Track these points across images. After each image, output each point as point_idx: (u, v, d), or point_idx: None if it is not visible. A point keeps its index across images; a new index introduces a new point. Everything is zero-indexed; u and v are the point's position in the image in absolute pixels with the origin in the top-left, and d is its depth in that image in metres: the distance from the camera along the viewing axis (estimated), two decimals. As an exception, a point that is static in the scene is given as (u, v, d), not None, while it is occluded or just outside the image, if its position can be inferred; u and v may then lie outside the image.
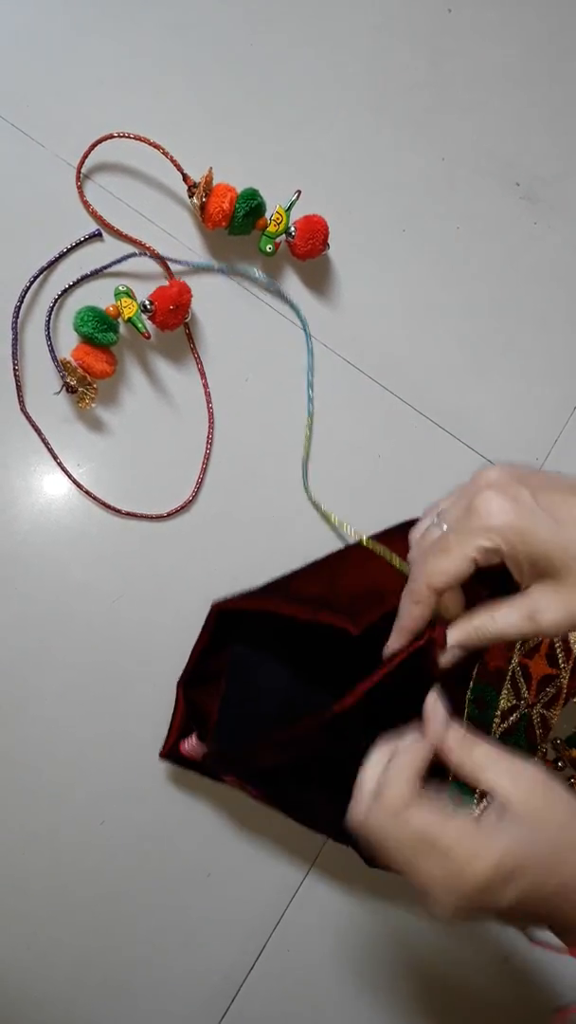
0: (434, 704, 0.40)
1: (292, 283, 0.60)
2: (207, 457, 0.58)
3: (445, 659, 0.40)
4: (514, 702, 0.52)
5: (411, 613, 0.40)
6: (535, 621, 0.37)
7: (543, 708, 0.53)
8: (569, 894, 0.35)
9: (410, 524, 0.54)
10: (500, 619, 0.38)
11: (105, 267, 0.56)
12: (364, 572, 0.53)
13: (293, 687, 0.52)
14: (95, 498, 0.56)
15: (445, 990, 0.59)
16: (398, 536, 0.55)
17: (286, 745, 0.47)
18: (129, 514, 0.56)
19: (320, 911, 0.58)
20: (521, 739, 0.54)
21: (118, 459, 0.57)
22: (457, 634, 0.40)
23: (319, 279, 0.60)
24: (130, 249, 0.57)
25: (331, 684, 0.48)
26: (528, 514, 0.35)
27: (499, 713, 0.52)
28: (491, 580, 0.41)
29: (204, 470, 0.57)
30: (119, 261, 0.56)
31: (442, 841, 0.35)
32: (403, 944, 0.59)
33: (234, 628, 0.53)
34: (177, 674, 0.56)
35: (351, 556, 0.55)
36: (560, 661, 0.54)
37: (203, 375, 0.58)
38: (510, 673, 0.53)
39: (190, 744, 0.52)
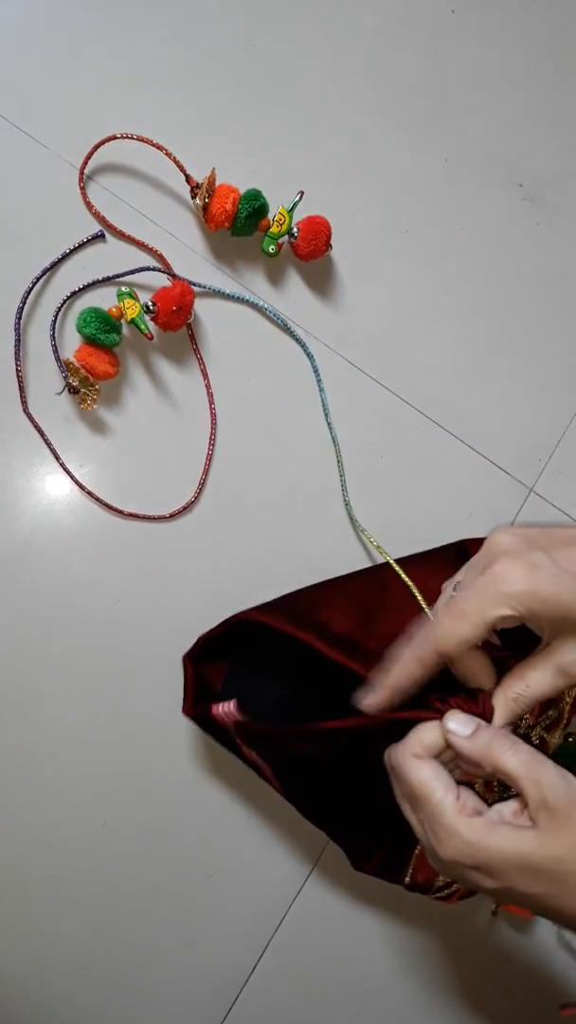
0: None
1: (294, 284, 0.60)
2: (209, 458, 0.58)
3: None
4: (514, 722, 0.52)
5: (408, 672, 0.40)
6: (567, 675, 0.38)
7: (543, 731, 0.53)
8: (562, 905, 0.35)
9: (446, 548, 0.54)
10: (534, 684, 0.38)
11: (119, 275, 0.55)
12: (403, 615, 0.50)
13: (295, 691, 0.51)
14: (97, 499, 0.56)
15: (447, 991, 0.59)
16: (431, 562, 0.53)
17: (315, 737, 0.46)
18: (131, 515, 0.56)
19: (323, 912, 0.58)
20: None
21: (120, 460, 0.57)
22: (500, 716, 0.39)
23: (321, 280, 0.60)
24: (132, 250, 0.57)
25: (332, 709, 0.47)
26: (548, 578, 0.36)
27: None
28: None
29: (206, 471, 0.57)
30: (132, 272, 0.56)
31: (426, 808, 0.37)
32: (406, 945, 0.59)
33: (249, 633, 0.52)
34: (177, 675, 0.56)
35: (391, 587, 0.52)
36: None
37: (205, 376, 0.58)
38: None
39: (225, 709, 0.49)
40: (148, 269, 0.56)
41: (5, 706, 0.55)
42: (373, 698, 0.41)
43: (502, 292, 0.63)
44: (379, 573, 0.54)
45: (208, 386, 0.58)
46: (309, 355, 0.59)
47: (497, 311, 0.63)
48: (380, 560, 0.55)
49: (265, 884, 0.57)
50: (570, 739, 0.57)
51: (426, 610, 0.49)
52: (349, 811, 0.51)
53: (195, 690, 0.51)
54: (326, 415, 0.59)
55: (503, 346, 0.62)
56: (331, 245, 0.58)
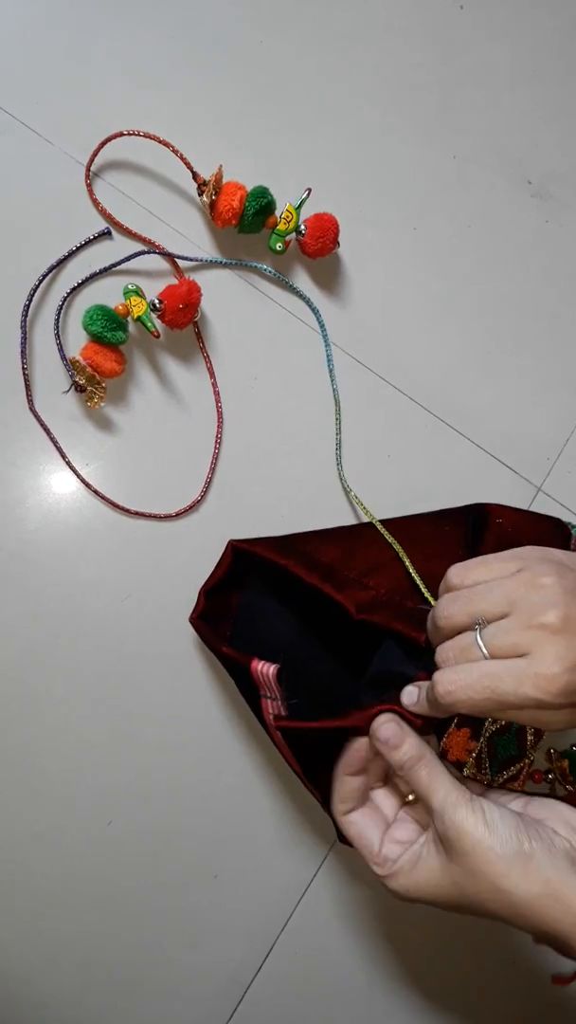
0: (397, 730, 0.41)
1: (302, 281, 0.60)
2: (216, 457, 0.57)
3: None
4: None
5: (427, 714, 0.41)
6: (540, 723, 0.38)
7: None
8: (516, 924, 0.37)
9: (431, 516, 0.55)
10: (510, 716, 0.39)
11: (114, 265, 0.55)
12: (386, 549, 0.53)
13: (296, 645, 0.52)
14: (103, 497, 0.56)
15: (452, 992, 0.59)
16: (420, 524, 0.55)
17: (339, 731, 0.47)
18: (137, 513, 0.56)
19: (327, 913, 0.58)
20: (511, 742, 0.53)
21: (126, 458, 0.57)
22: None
23: (329, 277, 0.60)
24: (139, 247, 0.57)
25: (332, 650, 0.51)
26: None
27: None
28: None
29: (213, 470, 0.57)
30: (128, 259, 0.56)
31: (362, 854, 0.41)
32: (410, 946, 0.58)
33: (247, 571, 0.53)
34: (184, 675, 0.56)
35: (376, 533, 0.55)
36: None
37: (212, 374, 0.58)
38: None
39: (264, 670, 0.47)
40: (144, 253, 0.56)
41: (11, 704, 0.54)
42: (392, 736, 0.42)
43: (510, 289, 0.62)
44: (364, 525, 0.56)
45: (214, 384, 0.58)
46: (315, 309, 0.59)
47: (505, 308, 0.62)
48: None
49: (271, 885, 0.57)
50: (574, 747, 0.57)
51: (415, 576, 0.51)
52: (325, 783, 0.51)
53: (212, 627, 0.53)
54: (330, 369, 0.59)
55: (511, 344, 0.62)
56: (338, 242, 0.57)
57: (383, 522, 0.54)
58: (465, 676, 0.37)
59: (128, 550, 0.56)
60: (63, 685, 0.55)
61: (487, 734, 0.52)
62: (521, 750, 0.54)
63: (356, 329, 0.60)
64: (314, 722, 0.45)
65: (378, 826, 0.42)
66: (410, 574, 0.52)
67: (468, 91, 0.64)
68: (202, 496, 0.57)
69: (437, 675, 0.38)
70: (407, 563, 0.52)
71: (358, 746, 0.43)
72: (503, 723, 0.53)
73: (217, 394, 0.58)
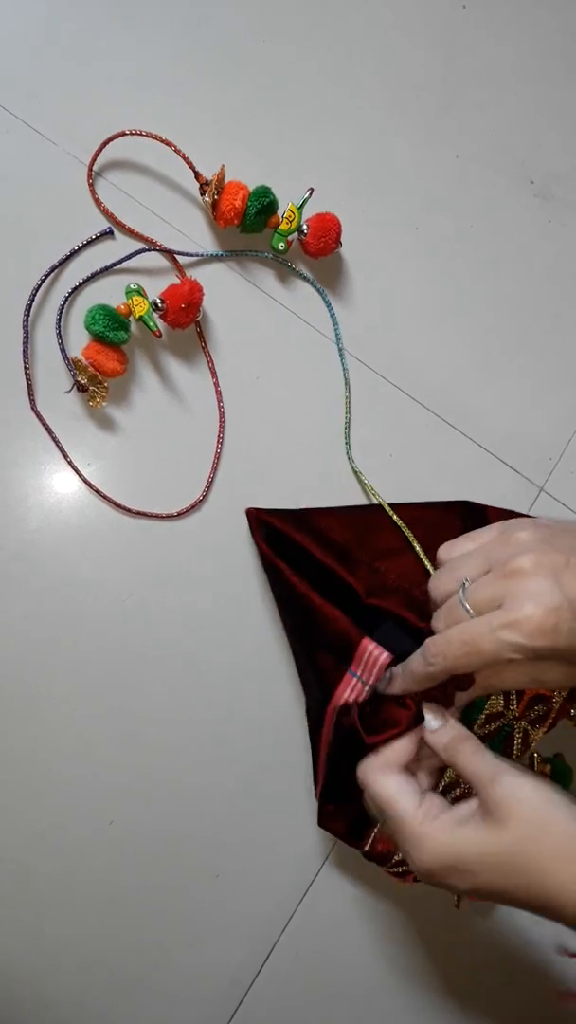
0: (437, 716, 0.42)
1: (304, 281, 0.60)
2: (218, 456, 0.57)
3: (452, 712, 0.44)
4: (500, 710, 0.51)
5: (424, 684, 0.41)
6: (539, 685, 0.40)
7: (527, 724, 0.53)
8: (541, 899, 0.37)
9: (443, 505, 0.56)
10: (508, 682, 0.41)
11: (116, 263, 0.55)
12: (399, 535, 0.54)
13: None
14: (105, 497, 0.56)
15: (454, 993, 0.59)
16: (429, 512, 0.56)
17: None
18: (139, 513, 0.56)
19: (329, 913, 0.57)
20: (498, 746, 0.52)
21: (128, 458, 0.57)
22: (468, 695, 0.43)
23: (331, 277, 0.60)
24: (140, 246, 0.57)
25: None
26: (567, 633, 0.35)
27: (483, 716, 0.51)
28: None
29: (215, 469, 0.57)
30: (129, 257, 0.56)
31: (393, 818, 0.40)
32: (413, 946, 0.58)
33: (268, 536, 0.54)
34: (186, 674, 0.56)
35: (388, 519, 0.55)
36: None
37: (214, 373, 0.58)
38: None
39: (376, 654, 0.46)
40: (145, 251, 0.56)
41: (12, 704, 0.54)
42: (398, 684, 0.43)
43: (513, 289, 0.62)
44: (381, 508, 0.56)
45: (216, 384, 0.58)
46: (320, 291, 0.59)
47: (508, 309, 0.62)
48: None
49: (272, 885, 0.57)
50: (557, 756, 0.57)
51: (425, 562, 0.52)
52: (336, 771, 0.51)
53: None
54: (340, 349, 0.59)
55: (513, 344, 0.62)
56: (341, 242, 0.57)
57: (392, 506, 0.55)
58: (447, 636, 0.38)
59: (130, 550, 0.56)
60: (64, 685, 0.55)
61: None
62: (507, 756, 0.53)
63: (358, 328, 0.60)
64: (389, 731, 0.45)
65: (415, 788, 0.41)
66: (421, 560, 0.53)
67: (470, 91, 0.64)
68: (204, 496, 0.57)
69: (426, 642, 0.39)
70: (417, 548, 0.53)
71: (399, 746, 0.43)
72: (491, 729, 0.52)
73: (219, 393, 0.58)
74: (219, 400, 0.57)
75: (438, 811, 0.39)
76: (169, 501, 0.57)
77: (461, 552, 0.41)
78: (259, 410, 0.58)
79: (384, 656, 0.45)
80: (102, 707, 0.55)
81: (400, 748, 0.42)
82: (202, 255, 0.58)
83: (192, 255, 0.57)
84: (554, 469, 0.61)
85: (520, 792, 0.37)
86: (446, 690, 0.43)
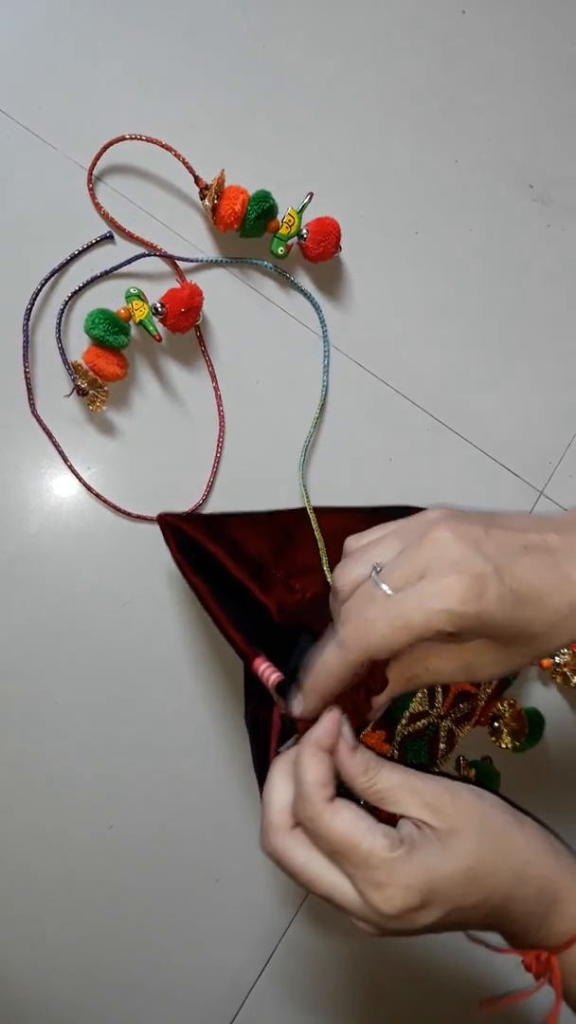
0: (330, 726, 0.36)
1: (304, 285, 0.60)
2: (217, 460, 0.57)
3: (373, 714, 0.39)
4: (425, 708, 0.50)
5: (340, 677, 0.35)
6: (471, 674, 0.37)
7: (453, 723, 0.52)
8: (501, 912, 0.35)
9: (377, 511, 0.52)
10: (433, 670, 0.37)
11: (116, 268, 0.55)
12: (316, 551, 0.51)
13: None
14: (105, 501, 0.56)
15: (455, 993, 0.59)
16: (354, 519, 0.52)
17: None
18: (139, 517, 0.56)
19: (329, 917, 0.57)
20: (423, 747, 0.52)
21: (128, 462, 0.57)
22: (388, 692, 0.38)
23: (331, 282, 0.60)
24: (141, 251, 0.57)
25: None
26: (495, 599, 0.33)
27: (407, 715, 0.50)
28: None
29: (214, 473, 0.57)
30: (130, 262, 0.56)
31: (355, 860, 0.34)
32: (413, 950, 0.58)
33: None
34: (186, 678, 0.56)
35: (310, 531, 0.52)
36: (483, 683, 0.53)
37: (214, 378, 0.58)
38: None
39: (268, 672, 0.40)
40: (146, 255, 0.56)
41: (12, 708, 0.55)
42: (302, 705, 0.37)
43: (512, 294, 0.62)
44: (301, 515, 0.52)
45: (216, 388, 0.58)
46: (316, 306, 0.59)
47: (507, 313, 0.62)
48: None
49: (272, 888, 0.57)
50: (485, 760, 0.57)
51: (325, 568, 0.49)
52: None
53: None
54: (325, 364, 0.59)
55: (513, 348, 0.62)
56: (340, 247, 0.58)
57: (327, 511, 0.52)
58: (365, 616, 0.34)
59: (130, 553, 0.56)
60: (64, 688, 0.55)
61: (399, 738, 0.50)
62: (432, 757, 0.52)
63: (358, 333, 0.60)
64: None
65: (371, 820, 0.35)
66: (328, 580, 0.49)
67: (470, 95, 0.64)
68: (204, 499, 0.57)
69: (340, 630, 0.35)
70: (325, 568, 0.50)
71: (329, 724, 0.36)
72: (416, 728, 0.51)
73: (219, 398, 0.58)
74: (219, 404, 0.58)
75: (392, 841, 0.34)
76: (169, 505, 0.57)
77: (369, 540, 0.38)
78: (259, 414, 0.58)
79: (275, 676, 0.39)
80: (101, 710, 0.55)
81: (323, 770, 0.35)
82: (201, 260, 0.58)
83: (192, 260, 0.57)
84: (554, 473, 0.61)
85: (459, 797, 0.35)
86: (357, 699, 0.38)
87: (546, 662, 0.56)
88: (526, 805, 0.39)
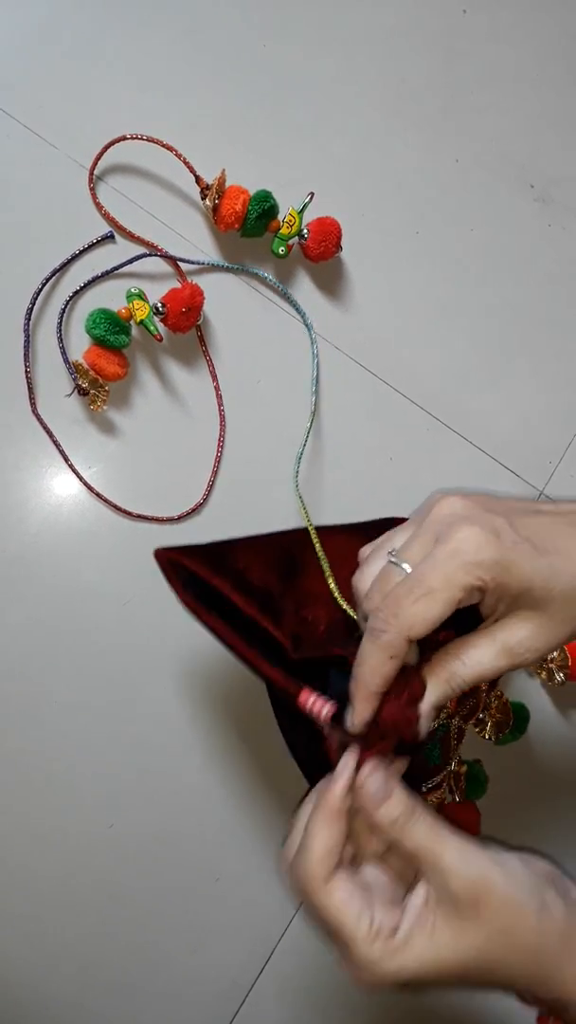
0: (342, 787, 0.34)
1: (304, 285, 0.60)
2: (218, 459, 0.57)
3: (423, 725, 0.36)
4: (444, 703, 0.50)
5: (383, 671, 0.34)
6: (513, 655, 0.34)
7: (461, 719, 0.51)
8: (506, 984, 0.34)
9: (376, 525, 0.49)
10: (472, 663, 0.35)
11: (117, 268, 0.55)
12: (323, 579, 0.47)
13: None
14: (106, 500, 0.56)
15: (455, 997, 0.59)
16: (356, 537, 0.48)
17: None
18: (140, 516, 0.56)
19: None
20: (436, 749, 0.51)
21: (129, 461, 0.57)
22: (432, 696, 0.35)
23: (332, 281, 0.60)
24: (142, 250, 0.57)
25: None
26: (511, 546, 0.32)
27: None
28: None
29: (215, 472, 0.57)
30: (131, 261, 0.56)
31: (339, 941, 0.33)
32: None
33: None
34: (187, 678, 0.56)
35: (315, 555, 0.48)
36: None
37: (215, 377, 0.58)
38: None
39: (319, 705, 0.37)
40: (147, 255, 0.56)
41: (12, 707, 0.55)
42: (355, 716, 0.36)
43: (512, 293, 0.62)
44: (304, 539, 0.49)
45: (217, 387, 0.58)
46: (308, 325, 0.59)
47: (507, 312, 0.62)
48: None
49: (272, 888, 0.57)
50: (476, 762, 0.57)
51: (335, 592, 0.46)
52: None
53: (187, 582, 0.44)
54: (314, 376, 0.59)
55: (513, 347, 0.62)
56: (341, 246, 0.58)
57: (326, 529, 0.49)
58: (392, 595, 0.33)
59: (130, 553, 0.56)
60: (64, 688, 0.55)
61: None
62: (445, 758, 0.51)
63: (358, 332, 0.60)
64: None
65: (363, 893, 0.34)
66: (341, 608, 0.46)
67: (471, 95, 0.64)
68: (205, 499, 0.57)
69: (371, 621, 0.34)
70: (335, 592, 0.46)
71: (336, 792, 0.35)
72: (432, 727, 0.48)
73: (220, 397, 0.58)
74: (220, 403, 0.58)
75: (390, 923, 0.33)
76: (170, 504, 0.57)
77: (380, 540, 0.37)
78: (260, 413, 0.58)
79: (328, 708, 0.37)
80: (102, 710, 0.55)
81: (330, 839, 0.34)
82: (202, 263, 0.58)
83: (193, 262, 0.57)
84: (554, 472, 0.61)
85: (488, 875, 0.32)
86: (401, 713, 0.35)
87: None
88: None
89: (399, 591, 0.33)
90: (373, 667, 0.34)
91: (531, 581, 0.32)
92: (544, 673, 0.57)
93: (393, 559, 0.34)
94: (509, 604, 0.34)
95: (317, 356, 0.59)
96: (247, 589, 0.44)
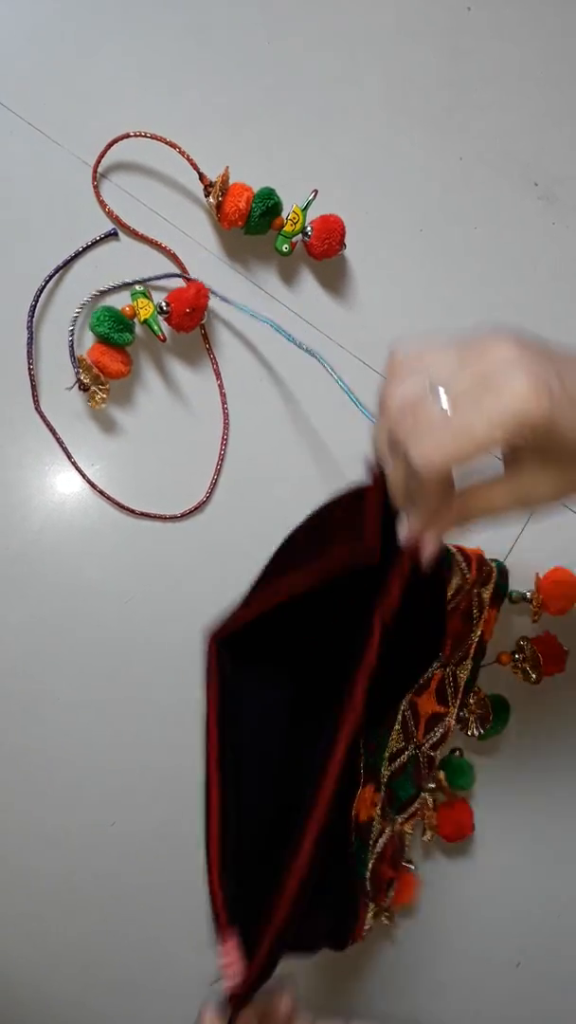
0: None
1: (308, 283, 0.60)
2: (221, 457, 0.57)
3: (429, 557, 0.37)
4: (403, 744, 0.51)
5: (433, 503, 0.36)
6: (526, 500, 0.35)
7: (430, 748, 0.52)
8: None
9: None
10: (492, 500, 0.36)
11: (148, 279, 0.55)
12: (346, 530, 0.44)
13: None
14: (108, 497, 0.56)
15: (456, 995, 0.59)
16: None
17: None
18: (143, 514, 0.56)
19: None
20: (408, 781, 0.52)
21: (132, 459, 0.57)
22: (444, 525, 0.37)
23: (335, 279, 0.60)
24: (144, 248, 0.57)
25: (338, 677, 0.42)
26: (560, 404, 0.31)
27: (387, 756, 0.50)
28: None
29: (218, 470, 0.57)
30: (159, 278, 0.56)
31: None
32: (415, 948, 0.58)
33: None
34: (188, 676, 0.56)
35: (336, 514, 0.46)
36: (448, 697, 0.53)
37: (218, 375, 0.58)
38: (400, 715, 0.51)
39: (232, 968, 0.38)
40: (173, 276, 0.56)
41: (15, 705, 0.55)
42: (413, 527, 0.38)
43: (516, 291, 0.62)
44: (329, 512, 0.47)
45: (221, 385, 0.58)
46: (323, 362, 0.59)
47: (512, 310, 0.62)
48: None
49: (274, 886, 0.57)
50: (456, 753, 0.57)
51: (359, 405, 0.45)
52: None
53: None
54: (359, 407, 0.59)
55: (517, 346, 0.62)
56: (345, 244, 0.57)
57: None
58: (432, 432, 0.32)
59: (133, 550, 0.56)
60: (67, 685, 0.55)
61: (384, 779, 0.50)
62: (417, 788, 0.53)
63: (361, 330, 0.60)
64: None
65: None
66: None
67: (475, 93, 0.63)
68: (208, 497, 0.57)
69: (409, 451, 0.33)
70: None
71: None
72: (398, 764, 0.51)
73: (223, 396, 0.58)
74: (223, 402, 0.58)
75: None
76: (172, 502, 0.57)
77: (420, 351, 0.36)
78: (263, 412, 0.58)
79: (235, 979, 0.37)
80: (104, 707, 0.55)
81: None
82: (225, 299, 0.56)
83: (220, 297, 0.56)
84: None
85: None
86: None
87: (505, 656, 0.56)
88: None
89: (441, 430, 0.32)
90: (428, 493, 0.36)
91: (571, 442, 0.32)
92: (519, 674, 0.57)
93: (429, 387, 0.33)
94: (539, 458, 0.34)
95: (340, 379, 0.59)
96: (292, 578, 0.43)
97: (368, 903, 0.50)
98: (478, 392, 0.32)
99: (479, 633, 0.53)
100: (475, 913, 0.60)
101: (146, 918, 0.56)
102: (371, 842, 0.50)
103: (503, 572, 0.54)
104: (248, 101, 0.60)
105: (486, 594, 0.53)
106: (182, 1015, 0.56)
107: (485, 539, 0.54)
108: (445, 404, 0.32)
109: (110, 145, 0.55)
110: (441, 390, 0.33)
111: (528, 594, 0.56)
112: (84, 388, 0.54)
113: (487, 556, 0.53)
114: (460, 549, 0.52)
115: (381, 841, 0.50)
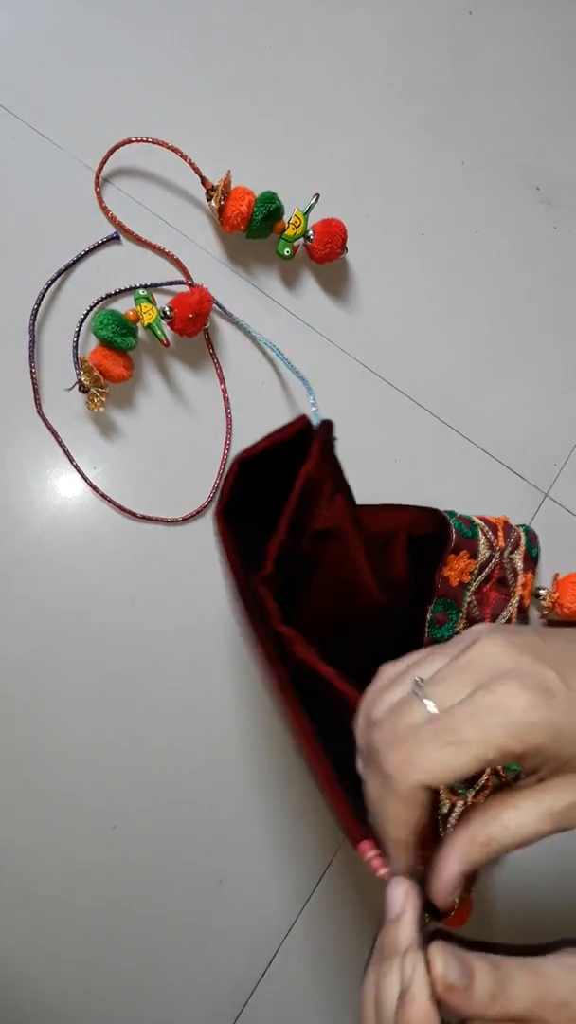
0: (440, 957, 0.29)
1: (309, 287, 0.60)
2: (224, 462, 0.57)
3: (443, 895, 0.31)
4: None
5: (404, 820, 0.30)
6: (559, 820, 0.30)
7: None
8: None
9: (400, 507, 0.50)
10: (515, 826, 0.30)
11: (157, 284, 0.56)
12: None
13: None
14: (110, 501, 0.56)
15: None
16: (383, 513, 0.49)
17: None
18: (144, 517, 0.56)
19: (331, 918, 0.57)
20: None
21: (134, 462, 0.57)
22: (463, 862, 0.31)
23: (337, 283, 0.60)
24: (146, 252, 0.57)
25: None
26: (566, 707, 0.28)
27: (458, 631, 0.50)
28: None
29: (220, 475, 0.57)
30: (168, 283, 0.56)
31: None
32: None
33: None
34: (191, 679, 0.56)
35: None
36: (509, 583, 0.55)
37: (222, 380, 0.58)
38: (467, 599, 0.53)
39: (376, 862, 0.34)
40: (181, 283, 0.56)
41: (16, 708, 0.55)
42: (396, 863, 0.32)
43: (518, 295, 0.62)
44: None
45: (224, 389, 0.58)
46: (309, 391, 0.59)
47: (513, 314, 0.62)
48: None
49: (275, 890, 0.57)
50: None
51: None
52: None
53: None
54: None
55: (518, 349, 0.62)
56: (346, 248, 0.58)
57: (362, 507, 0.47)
58: (415, 738, 0.29)
59: (135, 554, 0.56)
60: (69, 689, 0.55)
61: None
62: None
63: (363, 334, 0.60)
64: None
65: None
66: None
67: (477, 97, 0.64)
68: (210, 500, 0.57)
69: (385, 761, 0.30)
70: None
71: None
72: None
73: (227, 399, 0.58)
74: (226, 406, 0.58)
75: None
76: (175, 506, 0.57)
77: (408, 663, 0.33)
78: (266, 416, 0.58)
79: (385, 871, 0.33)
80: (106, 711, 0.55)
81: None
82: (232, 317, 0.57)
83: (226, 313, 0.57)
84: (559, 475, 0.61)
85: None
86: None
87: None
88: None
89: (424, 733, 0.29)
90: (397, 820, 0.30)
91: None
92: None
93: (419, 692, 0.30)
94: (556, 767, 0.30)
95: (316, 412, 0.59)
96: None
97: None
98: (467, 694, 0.29)
99: (518, 598, 0.55)
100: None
101: (147, 921, 0.56)
102: (439, 817, 0.47)
103: (532, 535, 0.57)
104: (250, 105, 0.60)
105: (518, 559, 0.54)
106: (183, 1018, 0.56)
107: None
108: (430, 705, 0.30)
109: (113, 150, 0.56)
110: (425, 694, 0.30)
111: (543, 591, 0.57)
112: (84, 390, 0.54)
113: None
114: (484, 519, 0.54)
115: (453, 817, 0.49)
